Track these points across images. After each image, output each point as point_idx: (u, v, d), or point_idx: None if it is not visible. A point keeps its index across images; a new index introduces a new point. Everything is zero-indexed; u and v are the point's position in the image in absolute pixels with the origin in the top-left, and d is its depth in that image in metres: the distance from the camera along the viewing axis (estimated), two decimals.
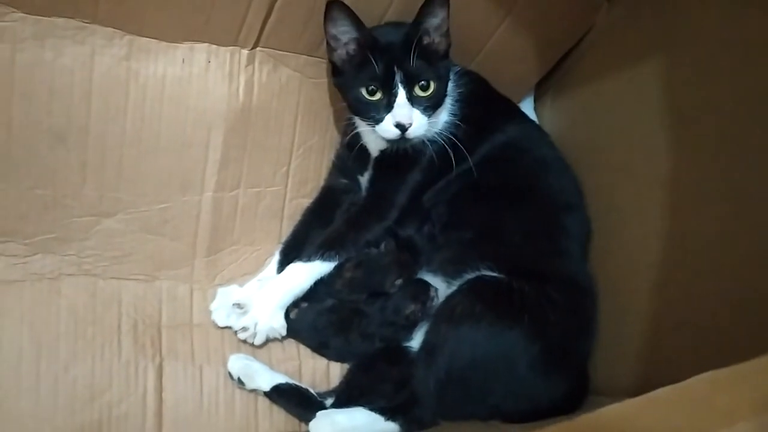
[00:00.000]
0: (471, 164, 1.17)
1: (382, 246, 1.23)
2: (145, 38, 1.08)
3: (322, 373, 1.24)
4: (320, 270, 1.17)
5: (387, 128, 1.09)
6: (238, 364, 1.15)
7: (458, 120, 1.19)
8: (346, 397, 1.16)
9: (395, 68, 1.07)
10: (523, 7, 1.23)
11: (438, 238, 1.22)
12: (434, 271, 1.21)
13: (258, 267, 1.26)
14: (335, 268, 1.19)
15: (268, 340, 1.19)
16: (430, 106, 1.11)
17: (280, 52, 1.17)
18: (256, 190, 1.23)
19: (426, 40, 1.09)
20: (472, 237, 1.17)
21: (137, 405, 1.09)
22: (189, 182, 1.17)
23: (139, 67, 1.08)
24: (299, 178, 1.28)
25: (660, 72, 1.12)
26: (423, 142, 1.14)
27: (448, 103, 1.18)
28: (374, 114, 1.10)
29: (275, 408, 1.18)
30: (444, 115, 1.18)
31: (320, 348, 1.24)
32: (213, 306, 1.20)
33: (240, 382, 1.15)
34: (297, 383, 1.17)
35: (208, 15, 1.07)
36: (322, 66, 1.22)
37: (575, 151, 1.30)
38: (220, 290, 1.21)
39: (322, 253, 1.17)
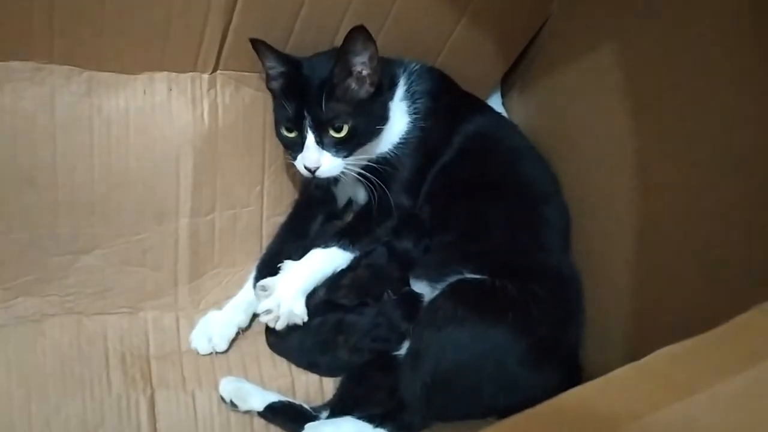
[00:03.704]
0: (448, 158, 1.20)
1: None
2: (103, 73, 1.09)
3: (315, 387, 1.23)
4: (337, 257, 1.17)
5: (300, 166, 1.11)
6: (230, 386, 1.15)
7: (424, 117, 1.20)
8: (340, 409, 1.15)
9: (305, 112, 1.08)
10: (477, 4, 1.23)
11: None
12: (419, 277, 1.21)
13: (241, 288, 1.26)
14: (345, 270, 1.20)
15: (288, 326, 1.15)
16: (343, 148, 1.10)
17: (241, 73, 1.18)
18: (232, 212, 1.24)
19: (344, 79, 1.09)
20: (454, 239, 1.18)
21: None
22: (163, 211, 1.17)
23: (100, 102, 1.09)
24: (274, 196, 1.29)
25: (617, 55, 1.13)
26: (395, 147, 1.17)
27: (405, 105, 1.20)
28: (291, 151, 1.13)
29: (272, 428, 1.17)
30: (402, 123, 1.19)
31: (310, 367, 1.23)
32: (192, 336, 1.19)
33: (233, 404, 1.14)
34: (290, 400, 1.16)
35: (164, 44, 1.08)
36: None
37: (545, 142, 1.31)
38: (201, 320, 1.21)
39: (338, 239, 1.17)
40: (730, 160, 0.91)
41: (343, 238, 1.18)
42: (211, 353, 1.18)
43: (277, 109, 1.14)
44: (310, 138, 1.08)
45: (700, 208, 0.96)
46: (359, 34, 1.04)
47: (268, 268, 1.21)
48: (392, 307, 1.19)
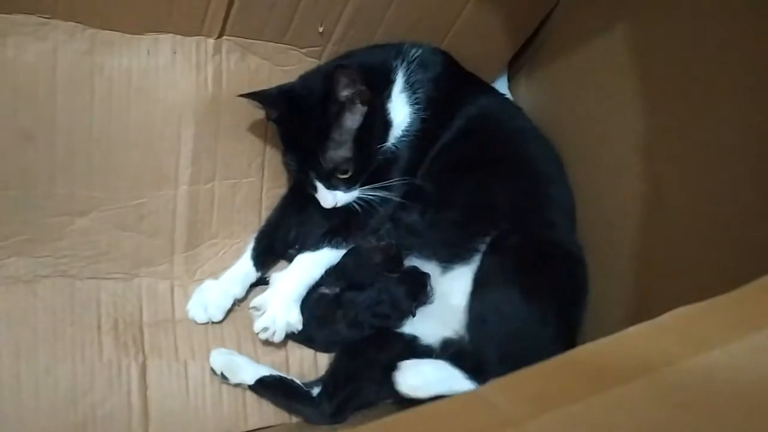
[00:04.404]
0: (446, 140, 1.19)
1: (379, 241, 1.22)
2: (107, 31, 1.05)
3: (309, 362, 1.22)
4: (330, 257, 1.17)
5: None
6: (221, 359, 1.13)
7: (425, 107, 1.19)
8: (332, 385, 1.13)
9: (306, 167, 1.10)
10: None
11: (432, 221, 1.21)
12: (427, 257, 1.20)
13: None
14: None
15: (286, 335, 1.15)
16: (353, 183, 1.12)
17: (247, 40, 1.15)
18: (232, 182, 1.22)
19: (339, 119, 1.08)
20: (461, 218, 1.17)
21: (122, 404, 1.07)
22: (163, 176, 1.15)
23: (103, 61, 1.06)
24: (275, 168, 1.26)
25: (630, 37, 1.11)
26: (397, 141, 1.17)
27: (405, 96, 1.19)
28: (306, 186, 1.15)
29: (264, 400, 1.16)
30: (403, 114, 1.18)
31: (306, 341, 1.22)
32: (189, 305, 1.18)
33: (223, 377, 1.12)
34: (282, 374, 1.15)
35: (171, 4, 1.05)
36: (291, 53, 1.21)
37: (551, 127, 1.30)
38: (197, 289, 1.19)
39: (330, 239, 1.16)
40: (741, 142, 0.89)
41: (334, 237, 1.17)
42: (208, 323, 1.17)
43: (284, 151, 1.18)
44: (320, 187, 1.11)
45: (708, 191, 0.95)
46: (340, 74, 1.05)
47: (267, 239, 1.21)
48: (397, 284, 1.18)
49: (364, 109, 1.10)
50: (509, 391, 0.44)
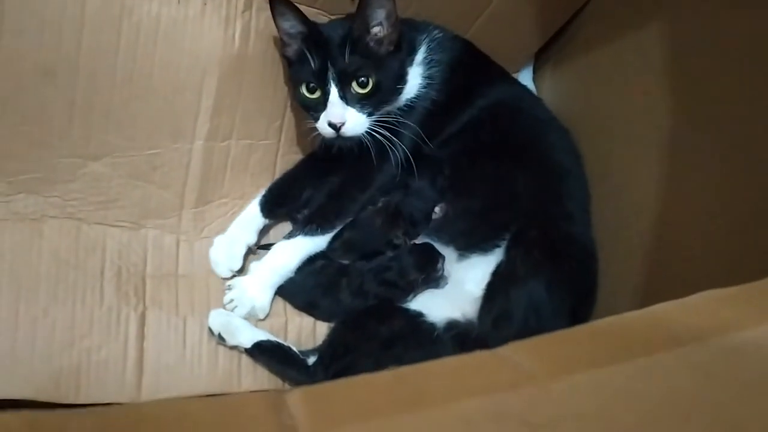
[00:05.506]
0: (462, 124, 1.19)
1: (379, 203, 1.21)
2: None
3: (308, 331, 1.21)
4: (306, 245, 1.16)
5: (323, 127, 1.08)
6: (219, 319, 1.12)
7: (437, 88, 1.18)
8: (329, 355, 1.12)
9: (328, 64, 1.06)
10: None
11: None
12: (446, 243, 1.19)
13: None
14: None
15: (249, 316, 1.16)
16: (368, 104, 1.08)
17: None
18: (248, 143, 1.20)
19: (365, 34, 1.07)
20: (481, 207, 1.16)
21: (118, 352, 1.06)
22: (180, 129, 1.13)
23: (132, 5, 1.04)
24: (292, 134, 1.25)
25: (664, 34, 1.10)
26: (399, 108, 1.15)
27: (420, 69, 1.18)
28: (313, 112, 1.10)
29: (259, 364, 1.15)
30: (413, 84, 1.17)
31: (308, 308, 1.21)
32: (211, 264, 1.18)
33: (220, 338, 1.11)
34: (279, 341, 1.14)
35: None
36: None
37: (573, 121, 1.29)
38: (211, 249, 1.19)
39: (304, 227, 1.16)
40: None
41: (309, 224, 1.16)
42: (233, 276, 1.18)
43: (297, 67, 1.11)
44: (334, 92, 1.06)
45: (732, 194, 0.94)
46: None
47: (279, 189, 1.22)
48: (408, 253, 1.17)
49: (391, 48, 1.10)
50: (532, 353, 0.43)
